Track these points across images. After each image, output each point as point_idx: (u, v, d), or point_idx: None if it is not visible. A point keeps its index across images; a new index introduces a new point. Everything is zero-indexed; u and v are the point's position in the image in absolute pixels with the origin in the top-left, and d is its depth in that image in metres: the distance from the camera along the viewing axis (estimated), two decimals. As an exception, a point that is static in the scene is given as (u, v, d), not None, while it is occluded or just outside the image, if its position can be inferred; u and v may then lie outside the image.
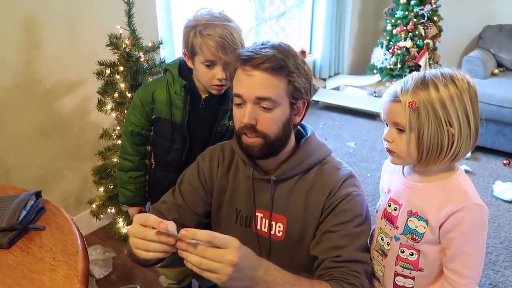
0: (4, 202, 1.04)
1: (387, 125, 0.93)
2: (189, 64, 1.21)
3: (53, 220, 1.06)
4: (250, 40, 3.62)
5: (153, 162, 1.44)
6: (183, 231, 0.67)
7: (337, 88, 4.07)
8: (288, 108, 0.91)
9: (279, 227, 0.98)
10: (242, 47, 1.12)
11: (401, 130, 0.88)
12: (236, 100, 0.91)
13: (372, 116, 3.76)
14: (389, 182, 1.04)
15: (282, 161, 0.97)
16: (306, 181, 0.97)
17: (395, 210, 0.97)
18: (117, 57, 1.75)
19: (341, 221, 0.92)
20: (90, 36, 1.96)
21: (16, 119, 1.80)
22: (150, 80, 1.69)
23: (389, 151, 0.94)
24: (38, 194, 1.09)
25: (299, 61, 0.92)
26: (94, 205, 1.95)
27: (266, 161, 0.96)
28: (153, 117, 1.30)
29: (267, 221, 0.99)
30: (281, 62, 0.87)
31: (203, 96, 1.26)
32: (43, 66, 1.83)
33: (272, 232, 0.99)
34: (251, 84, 0.87)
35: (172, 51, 2.59)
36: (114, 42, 1.73)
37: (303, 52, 3.97)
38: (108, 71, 1.75)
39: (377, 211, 1.04)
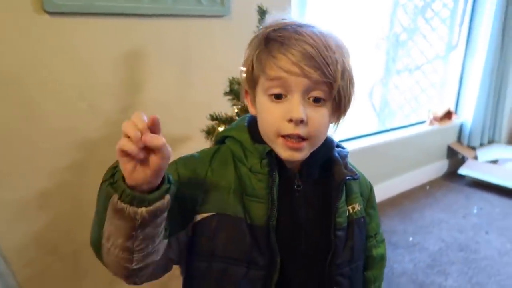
0: None
1: None
2: (251, 109, 0.73)
3: None
4: (376, 94, 2.98)
5: None
6: None
7: (494, 162, 3.13)
8: None
9: None
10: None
11: None
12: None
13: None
14: None
15: None
16: None
17: None
18: (236, 111, 1.25)
19: None
20: (207, 79, 1.52)
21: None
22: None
23: None
24: None
25: None
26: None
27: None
28: (199, 216, 0.68)
29: None
30: None
31: (295, 171, 0.72)
32: (141, 115, 1.41)
33: None
34: None
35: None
36: (235, 90, 1.23)
37: (449, 113, 3.17)
38: (221, 129, 1.25)
39: None
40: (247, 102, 0.73)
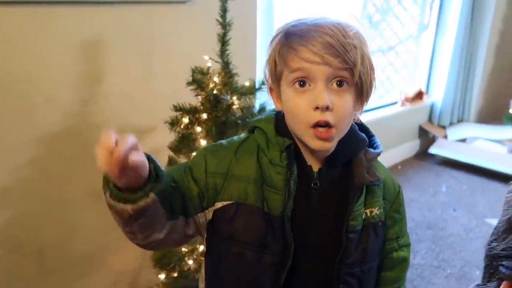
0: None
1: None
2: (277, 104, 0.75)
3: None
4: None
5: None
6: None
7: (463, 140, 3.22)
8: None
9: None
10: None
11: None
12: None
13: (514, 181, 2.85)
14: None
15: None
16: None
17: None
18: (200, 101, 1.23)
19: None
20: (170, 68, 1.48)
21: (62, 177, 1.33)
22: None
23: None
24: None
25: None
26: (150, 299, 1.42)
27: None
28: (219, 204, 0.72)
29: None
30: None
31: (315, 168, 0.72)
32: (103, 107, 1.37)
33: None
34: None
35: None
36: (197, 80, 1.21)
37: (420, 93, 3.22)
38: (186, 120, 1.23)
39: None
40: (272, 98, 0.75)
